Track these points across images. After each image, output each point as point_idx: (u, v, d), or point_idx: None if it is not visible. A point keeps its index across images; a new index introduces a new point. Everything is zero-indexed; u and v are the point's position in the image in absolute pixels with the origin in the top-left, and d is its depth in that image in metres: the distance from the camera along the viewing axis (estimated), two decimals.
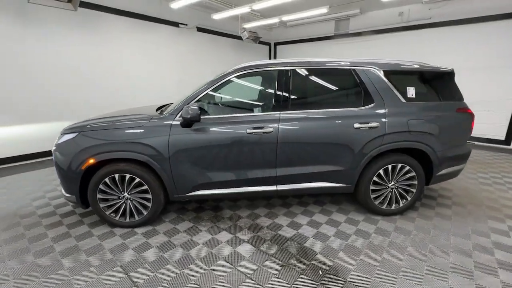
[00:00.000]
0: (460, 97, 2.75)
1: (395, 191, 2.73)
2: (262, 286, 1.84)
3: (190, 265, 2.06)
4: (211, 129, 2.43)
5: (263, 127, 2.44)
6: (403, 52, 6.79)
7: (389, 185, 2.70)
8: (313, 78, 2.64)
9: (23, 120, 4.38)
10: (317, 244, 2.32)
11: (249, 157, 2.49)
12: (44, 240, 2.38)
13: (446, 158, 2.69)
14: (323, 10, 5.51)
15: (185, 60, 6.77)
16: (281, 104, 2.53)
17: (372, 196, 2.71)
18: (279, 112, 2.51)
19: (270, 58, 9.72)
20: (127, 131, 2.40)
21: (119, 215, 2.54)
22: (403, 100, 2.61)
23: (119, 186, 2.46)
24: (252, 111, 2.69)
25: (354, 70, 2.60)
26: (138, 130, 2.39)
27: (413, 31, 6.56)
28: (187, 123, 2.40)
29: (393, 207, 2.76)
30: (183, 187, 2.51)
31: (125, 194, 2.49)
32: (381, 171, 2.63)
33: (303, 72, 2.61)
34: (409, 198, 2.76)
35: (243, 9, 5.21)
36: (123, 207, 2.53)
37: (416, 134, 2.56)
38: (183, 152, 2.40)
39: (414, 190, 2.73)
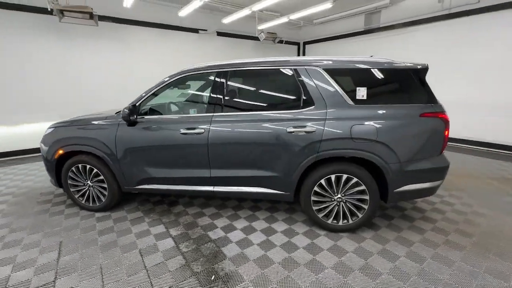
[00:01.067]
0: (430, 100, 2.24)
1: (343, 205, 2.42)
2: (151, 280, 1.92)
3: (108, 250, 2.28)
4: (149, 128, 2.62)
5: (195, 128, 2.50)
6: (444, 44, 5.72)
7: (335, 197, 2.41)
8: (250, 79, 2.56)
9: (57, 117, 5.43)
10: (233, 250, 2.26)
11: (184, 157, 2.58)
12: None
13: (407, 172, 2.24)
14: (328, 5, 5.10)
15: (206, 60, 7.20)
16: (215, 106, 2.54)
17: (315, 207, 2.46)
18: (212, 114, 2.52)
19: None
20: (86, 128, 2.79)
21: (84, 199, 2.97)
22: (350, 103, 2.29)
23: (83, 175, 2.88)
24: (189, 112, 2.77)
25: (295, 69, 2.41)
26: (95, 128, 2.76)
27: (457, 19, 5.46)
28: (130, 123, 2.65)
29: (340, 223, 2.45)
30: (130, 180, 2.77)
31: (88, 182, 2.90)
32: (323, 181, 2.37)
33: (240, 73, 2.55)
34: (359, 215, 2.40)
35: (245, 11, 5.26)
36: (87, 193, 2.95)
37: (360, 141, 2.21)
38: (127, 148, 2.66)
39: (365, 207, 2.36)
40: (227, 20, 6.14)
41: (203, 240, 2.42)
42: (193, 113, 2.68)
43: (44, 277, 1.96)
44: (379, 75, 2.32)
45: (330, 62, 2.37)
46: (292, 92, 2.43)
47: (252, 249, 2.27)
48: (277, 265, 2.06)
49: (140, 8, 5.88)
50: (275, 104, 2.47)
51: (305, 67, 2.39)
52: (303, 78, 2.38)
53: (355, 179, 2.31)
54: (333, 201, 2.42)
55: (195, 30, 6.82)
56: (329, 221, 2.46)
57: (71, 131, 2.83)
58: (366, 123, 2.22)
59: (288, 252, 2.22)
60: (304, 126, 2.30)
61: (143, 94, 2.70)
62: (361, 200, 2.36)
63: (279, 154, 2.37)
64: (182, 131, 2.52)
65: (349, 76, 2.37)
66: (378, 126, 2.20)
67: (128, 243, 2.38)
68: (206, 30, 6.99)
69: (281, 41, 8.39)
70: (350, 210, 2.41)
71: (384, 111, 2.23)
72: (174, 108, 2.89)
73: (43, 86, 5.14)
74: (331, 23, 8.04)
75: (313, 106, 2.34)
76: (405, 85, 2.27)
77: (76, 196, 2.97)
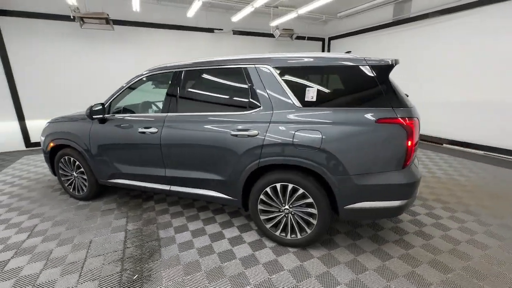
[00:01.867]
0: (393, 103, 1.86)
1: (291, 218, 2.20)
2: (81, 271, 2.03)
3: (66, 236, 2.48)
4: (115, 126, 2.75)
5: (151, 127, 2.54)
6: (488, 34, 4.74)
7: (282, 208, 2.20)
8: (202, 79, 2.48)
9: None
10: (171, 252, 2.23)
11: (143, 155, 2.65)
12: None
13: (360, 187, 1.91)
14: None
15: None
16: (170, 106, 2.54)
17: (262, 217, 2.29)
18: (166, 114, 2.53)
19: None
20: (69, 124, 3.07)
21: (72, 188, 3.28)
22: (298, 105, 2.06)
23: (70, 166, 3.19)
24: (149, 112, 2.81)
25: (244, 68, 2.26)
26: (76, 124, 3.02)
27: (502, 3, 4.47)
28: (100, 120, 2.83)
29: (288, 236, 2.23)
30: (102, 174, 2.96)
31: (74, 173, 3.20)
32: (268, 190, 2.18)
33: (193, 73, 2.50)
34: (308, 231, 2.15)
35: (249, 8, 5.14)
36: (73, 182, 3.25)
37: (303, 149, 1.97)
38: (98, 144, 2.84)
39: (314, 222, 2.10)
40: (236, 17, 6.10)
41: (150, 237, 2.46)
42: (151, 112, 2.73)
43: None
44: (332, 73, 2.03)
45: (281, 59, 2.16)
46: (241, 93, 2.28)
47: (189, 253, 2.22)
48: (202, 273, 1.98)
49: (155, 11, 6.23)
50: (223, 105, 2.36)
51: (255, 65, 2.22)
52: (252, 77, 2.22)
53: (301, 190, 2.07)
54: (280, 212, 2.22)
55: (211, 30, 6.95)
56: (277, 233, 2.27)
57: (59, 126, 3.15)
58: (311, 129, 1.96)
59: (222, 261, 2.11)
60: (247, 129, 2.14)
61: (112, 94, 2.85)
62: (310, 214, 2.11)
63: (224, 157, 2.27)
64: (140, 130, 2.59)
65: (300, 75, 2.12)
66: (324, 132, 1.92)
67: (86, 233, 2.55)
68: (222, 29, 7.07)
69: (301, 38, 8.03)
70: (298, 223, 2.18)
71: (334, 116, 1.94)
72: (139, 107, 3.00)
73: (70, 85, 5.83)
74: (357, 16, 7.36)
75: (260, 108, 2.16)
76: (363, 85, 1.93)
77: (66, 185, 3.31)
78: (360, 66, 1.94)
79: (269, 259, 2.12)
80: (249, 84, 2.22)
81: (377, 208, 1.94)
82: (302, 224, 2.16)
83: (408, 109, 1.87)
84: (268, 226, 2.29)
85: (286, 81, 2.12)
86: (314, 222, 2.10)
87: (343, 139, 1.89)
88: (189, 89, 2.52)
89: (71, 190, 3.29)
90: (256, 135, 2.11)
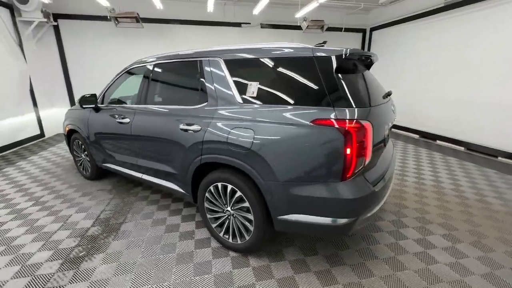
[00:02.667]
0: (345, 102, 1.54)
1: (233, 221, 2.07)
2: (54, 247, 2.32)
3: (52, 207, 2.85)
4: (104, 115, 3.01)
5: (125, 117, 2.70)
6: None
7: (225, 209, 2.09)
8: (165, 73, 2.49)
9: None
10: (120, 239, 2.36)
11: (122, 143, 2.84)
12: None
13: (291, 197, 1.67)
14: None
15: None
16: (140, 98, 2.64)
17: (209, 215, 2.22)
18: (137, 106, 2.65)
19: (363, 48, 8.03)
20: (78, 112, 3.49)
21: (81, 168, 3.76)
22: (240, 101, 1.90)
23: (79, 149, 3.65)
24: (127, 103, 2.96)
25: (200, 61, 2.19)
26: (81, 112, 3.41)
27: None
28: (95, 110, 3.13)
29: (231, 240, 2.11)
30: (97, 158, 3.30)
31: (82, 155, 3.65)
32: (212, 188, 2.10)
33: (160, 67, 2.53)
34: (246, 237, 1.99)
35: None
36: (82, 163, 3.72)
37: (236, 148, 1.81)
38: (93, 131, 3.17)
39: (252, 228, 1.93)
40: (256, 10, 5.95)
41: (117, 220, 2.64)
42: (129, 104, 2.88)
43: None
44: (276, 66, 1.80)
45: (230, 51, 2.02)
46: (195, 86, 2.22)
47: (137, 240, 2.31)
48: (138, 263, 2.03)
49: (183, 7, 6.52)
50: (180, 99, 2.34)
51: (209, 58, 2.13)
52: (205, 71, 2.13)
53: (239, 193, 1.92)
54: (224, 213, 2.11)
55: (238, 24, 6.96)
56: (221, 234, 2.17)
57: (73, 113, 3.61)
58: (244, 127, 1.79)
59: (162, 253, 2.13)
60: (192, 124, 2.08)
61: (107, 85, 3.12)
62: (248, 219, 1.95)
63: (176, 151, 2.26)
64: (118, 120, 2.78)
65: (245, 68, 1.94)
66: (256, 132, 1.73)
67: (72, 208, 2.89)
68: (249, 23, 7.01)
69: (337, 29, 7.40)
70: (239, 228, 2.04)
71: (269, 114, 1.73)
72: (127, 98, 3.19)
73: (108, 79, 6.60)
74: (402, 2, 6.36)
75: (206, 103, 2.08)
76: (307, 80, 1.66)
77: (78, 165, 3.81)
78: (303, 58, 1.67)
79: (204, 260, 2.05)
80: (201, 78, 2.15)
81: (314, 224, 1.67)
82: (242, 229, 2.02)
83: (353, 109, 1.53)
84: (214, 225, 2.21)
85: (232, 75, 1.97)
86: (251, 228, 1.93)
87: (275, 141, 1.67)
88: (154, 82, 2.58)
89: (81, 170, 3.77)
90: (199, 131, 2.03)
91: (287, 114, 1.66)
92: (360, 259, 2.04)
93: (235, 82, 1.95)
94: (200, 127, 2.03)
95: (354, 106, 1.54)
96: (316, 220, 1.65)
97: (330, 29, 7.20)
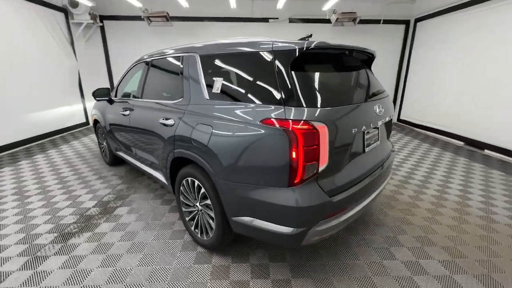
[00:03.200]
0: (297, 101, 1.40)
1: (201, 216, 2.08)
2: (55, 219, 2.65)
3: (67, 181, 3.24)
4: (115, 107, 3.28)
5: (127, 110, 2.91)
6: None
7: (195, 204, 2.11)
8: (156, 68, 2.59)
9: None
10: (108, 222, 2.57)
11: (125, 134, 3.08)
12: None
13: (242, 198, 1.60)
14: None
15: None
16: (138, 92, 2.80)
17: (184, 209, 2.27)
18: (135, 99, 2.82)
19: (405, 43, 7.18)
20: (99, 103, 3.87)
21: (104, 155, 4.19)
22: (207, 97, 1.88)
23: (102, 137, 4.06)
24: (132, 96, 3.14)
25: (182, 57, 2.22)
26: (101, 104, 3.78)
27: None
28: (109, 102, 3.44)
29: (199, 235, 2.13)
30: (113, 146, 3.63)
31: (104, 143, 4.05)
32: (184, 182, 2.14)
33: (153, 62, 2.64)
34: (210, 235, 1.98)
35: None
36: (104, 150, 4.13)
37: (197, 145, 1.80)
38: (107, 121, 3.49)
39: (214, 226, 1.92)
40: (280, 3, 5.76)
41: (115, 203, 2.88)
42: (131, 97, 3.08)
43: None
44: (241, 61, 1.72)
45: (204, 47, 2.00)
46: (176, 82, 2.26)
47: (123, 224, 2.48)
48: (116, 244, 2.19)
49: (210, 5, 6.67)
50: (165, 94, 2.41)
51: (189, 54, 2.15)
52: (183, 66, 2.16)
53: (203, 189, 1.92)
54: (194, 208, 2.14)
55: (266, 20, 6.86)
56: (192, 228, 2.20)
57: (97, 105, 4.03)
58: (206, 123, 1.76)
59: (137, 239, 2.26)
60: (169, 119, 2.14)
61: (119, 80, 3.39)
62: (212, 217, 1.94)
63: (157, 143, 2.36)
64: (121, 112, 3.01)
65: (215, 63, 1.90)
66: (214, 129, 1.69)
67: (83, 189, 3.24)
68: (277, 18, 6.85)
69: (374, 21, 6.76)
70: (205, 224, 2.04)
71: (225, 111, 1.67)
72: (132, 93, 3.40)
73: None
74: None
75: (182, 98, 2.10)
76: (265, 76, 1.56)
77: (101, 151, 4.26)
78: (261, 53, 1.57)
79: (171, 251, 2.11)
80: (181, 73, 2.18)
81: (265, 230, 1.58)
82: (207, 226, 2.01)
83: (302, 109, 1.39)
84: (187, 219, 2.25)
85: (204, 71, 1.96)
86: (214, 226, 1.92)
87: (227, 140, 1.62)
88: (147, 78, 2.71)
89: (103, 156, 4.21)
90: (172, 126, 2.08)
91: (240, 112, 1.59)
92: (328, 274, 1.86)
93: (205, 78, 1.94)
94: (173, 122, 2.08)
95: (305, 106, 1.39)
96: (267, 226, 1.56)
97: (365, 21, 6.61)
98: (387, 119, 1.98)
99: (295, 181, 1.41)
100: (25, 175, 3.66)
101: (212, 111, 1.76)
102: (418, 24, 6.77)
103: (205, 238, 2.06)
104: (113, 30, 6.83)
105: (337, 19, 5.94)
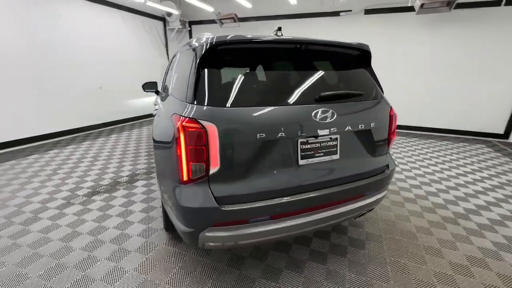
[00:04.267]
0: (201, 98, 1.38)
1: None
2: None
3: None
4: (158, 100, 3.92)
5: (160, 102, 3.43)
6: None
7: None
8: (175, 64, 2.87)
9: None
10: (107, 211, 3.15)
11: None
12: None
13: (162, 190, 1.70)
14: None
15: None
16: (164, 86, 3.24)
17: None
18: (164, 93, 3.28)
19: None
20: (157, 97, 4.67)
21: None
22: (169, 93, 2.04)
23: None
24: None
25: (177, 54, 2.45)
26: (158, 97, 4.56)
27: None
28: (156, 93, 4.12)
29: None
30: None
31: None
32: None
33: (175, 57, 2.96)
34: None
35: None
36: None
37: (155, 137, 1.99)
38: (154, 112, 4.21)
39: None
40: None
41: (134, 178, 3.50)
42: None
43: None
44: (183, 58, 1.79)
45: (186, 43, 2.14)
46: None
47: (130, 198, 3.02)
48: (109, 211, 2.73)
49: (271, 3, 6.64)
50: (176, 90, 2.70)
51: (179, 51, 2.35)
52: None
53: None
54: None
55: (336, 13, 6.27)
56: None
57: (156, 99, 4.89)
58: (160, 118, 1.93)
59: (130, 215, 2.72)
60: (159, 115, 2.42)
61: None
62: None
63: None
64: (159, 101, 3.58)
65: (175, 59, 2.01)
66: (158, 121, 1.83)
67: (128, 161, 4.07)
68: (350, 10, 6.14)
69: (490, 3, 5.03)
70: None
71: (166, 105, 1.78)
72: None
73: None
74: None
75: (170, 95, 2.34)
76: (186, 72, 1.58)
77: None
78: (190, 50, 1.59)
79: (130, 236, 2.43)
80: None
81: (174, 223, 1.61)
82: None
83: (197, 107, 1.34)
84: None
85: (171, 68, 2.12)
86: None
87: (160, 131, 1.73)
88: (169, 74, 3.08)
89: None
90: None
91: (168, 106, 1.66)
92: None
93: (174, 74, 2.09)
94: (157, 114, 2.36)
95: (200, 104, 1.33)
96: (173, 220, 1.60)
97: (466, 4, 5.02)
98: (350, 128, 1.56)
99: (183, 180, 1.38)
100: (106, 146, 4.92)
101: (163, 106, 1.91)
102: None
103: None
104: (198, 33, 7.95)
105: (422, 4, 4.78)
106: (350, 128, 1.56)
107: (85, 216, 2.55)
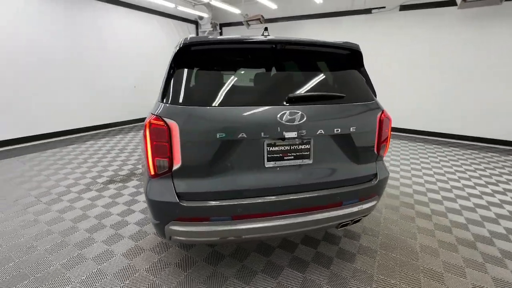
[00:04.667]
0: (162, 97, 1.46)
1: None
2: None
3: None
4: None
5: None
6: None
7: None
8: None
9: None
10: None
11: None
12: None
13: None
14: None
15: (384, 47, 5.98)
16: None
17: None
18: None
19: None
20: None
21: None
22: None
23: None
24: None
25: None
26: None
27: None
28: None
29: None
30: None
31: None
32: None
33: None
34: None
35: None
36: None
37: None
38: None
39: None
40: None
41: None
42: None
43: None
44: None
45: None
46: None
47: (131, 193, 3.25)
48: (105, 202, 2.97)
49: (297, 4, 6.47)
50: None
51: None
52: None
53: None
54: None
55: (367, 11, 5.89)
56: None
57: None
58: None
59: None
60: None
61: None
62: None
63: None
64: None
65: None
66: None
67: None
68: (383, 7, 5.72)
69: None
70: None
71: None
72: None
73: None
74: None
75: None
76: (167, 72, 1.65)
77: None
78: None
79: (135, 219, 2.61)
80: None
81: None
82: None
83: (164, 105, 1.40)
84: None
85: None
86: None
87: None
88: None
89: None
90: None
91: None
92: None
93: None
94: None
95: (168, 102, 1.40)
96: (149, 212, 1.69)
97: None
98: (322, 132, 1.47)
99: (151, 174, 1.46)
100: (134, 140, 5.36)
101: None
102: None
103: None
104: (228, 34, 8.19)
105: None
106: (322, 132, 1.48)
107: (97, 201, 2.83)
